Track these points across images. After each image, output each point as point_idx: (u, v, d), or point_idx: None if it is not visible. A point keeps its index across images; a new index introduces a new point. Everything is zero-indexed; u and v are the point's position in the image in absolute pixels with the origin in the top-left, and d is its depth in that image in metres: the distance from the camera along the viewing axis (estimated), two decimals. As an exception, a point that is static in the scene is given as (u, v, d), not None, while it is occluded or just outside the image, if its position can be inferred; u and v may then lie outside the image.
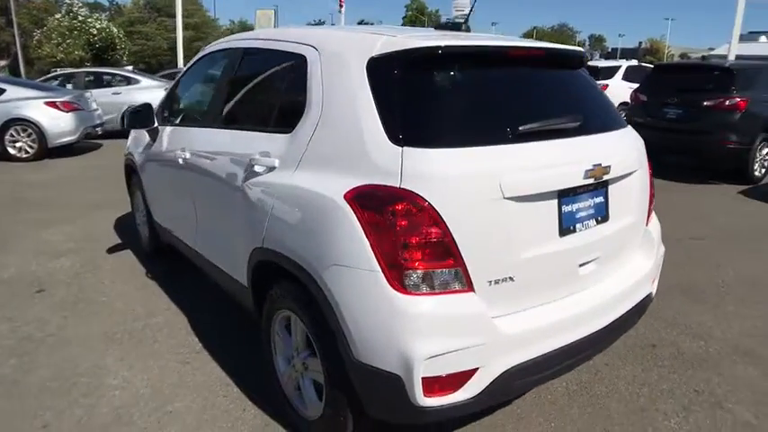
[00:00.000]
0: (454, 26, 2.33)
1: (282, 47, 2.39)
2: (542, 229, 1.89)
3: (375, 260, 1.67)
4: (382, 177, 1.72)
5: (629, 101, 8.98)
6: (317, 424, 2.09)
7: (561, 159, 1.93)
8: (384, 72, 1.86)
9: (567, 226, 1.96)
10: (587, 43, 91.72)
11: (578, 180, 1.94)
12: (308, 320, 2.00)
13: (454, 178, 1.70)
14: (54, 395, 2.51)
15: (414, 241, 1.66)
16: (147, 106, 3.44)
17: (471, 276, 1.72)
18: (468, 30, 2.32)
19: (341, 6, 33.58)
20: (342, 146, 1.89)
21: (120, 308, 3.42)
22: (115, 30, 30.60)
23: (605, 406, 2.48)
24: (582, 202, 2.02)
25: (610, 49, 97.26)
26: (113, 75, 12.02)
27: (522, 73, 2.08)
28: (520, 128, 1.85)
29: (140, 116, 3.40)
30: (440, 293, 1.69)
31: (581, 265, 2.02)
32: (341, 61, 2.01)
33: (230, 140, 2.55)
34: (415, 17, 75.15)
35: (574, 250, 1.98)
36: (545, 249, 1.89)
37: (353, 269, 1.72)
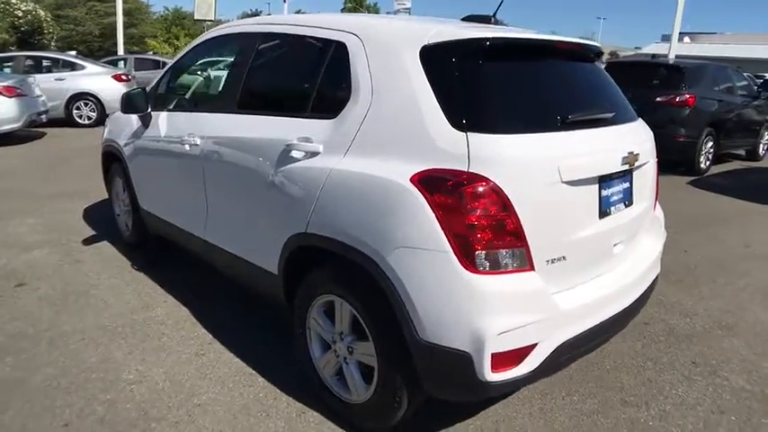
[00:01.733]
0: (483, 18, 2.39)
1: (315, 33, 2.35)
2: (587, 211, 2.00)
3: (446, 241, 1.71)
4: (449, 161, 1.75)
5: None
6: (364, 406, 2.11)
7: (603, 147, 2.05)
8: (439, 61, 1.90)
9: (604, 209, 2.08)
10: None
11: (617, 166, 2.06)
12: (359, 304, 2.00)
13: (519, 162, 1.77)
14: (68, 393, 2.37)
15: (484, 223, 1.71)
16: (142, 90, 3.28)
17: (533, 256, 1.79)
18: (497, 22, 2.39)
19: (285, -1, 32.96)
20: (399, 131, 1.90)
21: (114, 301, 3.25)
22: (42, 13, 28.43)
23: (617, 379, 2.65)
24: (615, 186, 2.14)
25: None
26: (56, 60, 11.21)
27: (561, 65, 2.17)
28: (569, 116, 1.95)
29: (136, 101, 3.24)
30: (506, 272, 1.75)
31: (614, 246, 2.16)
32: (390, 50, 2.02)
33: (255, 126, 2.48)
34: (354, 8, 74.92)
35: (609, 232, 2.11)
36: (589, 230, 2.00)
37: (423, 251, 1.75)
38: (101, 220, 4.67)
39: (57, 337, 2.83)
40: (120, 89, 9.48)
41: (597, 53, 2.42)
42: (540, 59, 2.10)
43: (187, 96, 3.32)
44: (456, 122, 1.79)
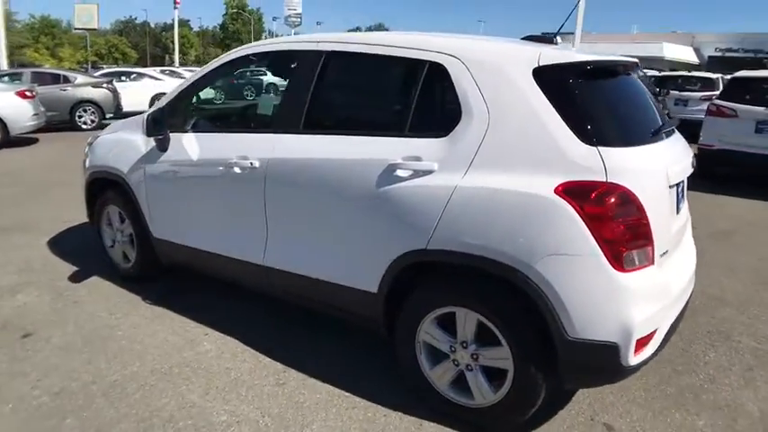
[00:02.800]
0: (546, 39, 2.59)
1: (400, 53, 2.39)
2: (672, 210, 2.29)
3: (597, 246, 1.89)
4: (586, 174, 1.93)
5: None
6: (495, 408, 2.21)
7: (678, 155, 2.34)
8: (555, 82, 2.07)
9: (676, 209, 2.38)
10: None
11: (688, 172, 2.37)
12: (492, 312, 2.11)
13: (643, 171, 2.00)
14: (168, 444, 2.18)
15: (628, 227, 1.92)
16: (162, 111, 3.05)
17: (654, 252, 2.03)
18: (556, 43, 2.60)
19: (176, 4, 31.26)
20: (526, 148, 2.04)
21: (150, 341, 2.99)
22: None
23: (660, 354, 3.00)
24: (677, 190, 2.46)
25: None
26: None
27: (632, 82, 2.44)
28: (653, 129, 2.22)
29: (160, 123, 3.01)
30: (641, 268, 1.98)
31: (679, 242, 2.48)
32: (500, 71, 2.14)
33: (337, 147, 2.46)
34: (237, 15, 72.94)
35: (678, 230, 2.42)
36: (674, 227, 2.30)
37: (574, 256, 1.91)
38: (75, 254, 4.20)
39: (109, 388, 2.56)
40: (26, 107, 8.43)
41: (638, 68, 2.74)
42: (622, 78, 2.36)
43: (218, 117, 3.13)
44: (585, 138, 1.97)
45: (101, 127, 11.99)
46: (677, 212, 2.39)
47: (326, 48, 2.62)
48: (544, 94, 2.05)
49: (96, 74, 15.97)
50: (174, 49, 37.43)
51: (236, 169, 2.77)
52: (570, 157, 1.96)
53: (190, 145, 3.04)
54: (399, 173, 2.25)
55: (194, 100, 3.20)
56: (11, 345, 2.92)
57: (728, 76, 14.34)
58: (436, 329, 2.30)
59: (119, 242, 3.72)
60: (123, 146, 3.46)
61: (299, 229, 2.66)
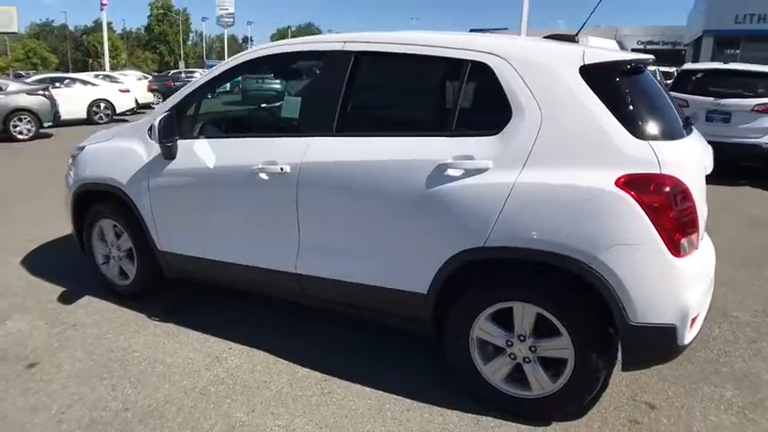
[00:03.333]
0: (568, 38, 2.68)
1: (441, 53, 2.40)
2: (704, 199, 2.43)
3: (657, 234, 1.98)
4: (642, 167, 2.02)
5: None
6: (553, 397, 2.27)
7: (705, 148, 2.49)
8: (601, 79, 2.16)
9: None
10: None
11: (711, 163, 2.52)
12: (552, 304, 2.17)
13: (688, 163, 2.12)
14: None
15: (683, 215, 2.03)
16: (172, 117, 2.88)
17: (699, 238, 2.16)
18: (577, 41, 2.69)
19: (103, 5, 29.60)
20: (581, 144, 2.10)
21: (172, 361, 2.83)
22: None
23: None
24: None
25: None
26: None
27: (652, 78, 2.56)
28: (682, 123, 2.36)
29: (172, 129, 2.85)
30: (690, 253, 2.10)
31: None
32: (547, 70, 2.20)
33: (378, 148, 2.42)
34: (163, 16, 70.18)
35: (704, 217, 2.59)
36: (703, 216, 2.45)
37: (636, 245, 2.00)
38: (56, 273, 3.89)
39: (145, 415, 2.40)
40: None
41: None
42: (648, 75, 2.47)
43: (233, 121, 3.00)
44: (636, 133, 2.07)
45: (37, 137, 11.18)
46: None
47: (355, 48, 2.58)
48: (593, 91, 2.13)
49: (28, 80, 14.81)
50: (98, 53, 35.39)
51: (263, 175, 2.68)
52: (625, 152, 2.05)
53: (203, 151, 2.90)
54: (451, 172, 2.26)
55: (204, 106, 3.04)
56: (18, 376, 2.67)
57: (663, 69, 15.26)
58: (491, 325, 2.33)
59: (114, 258, 3.48)
60: (120, 155, 3.24)
61: (336, 233, 2.60)
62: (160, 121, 2.80)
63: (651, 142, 2.06)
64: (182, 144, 2.96)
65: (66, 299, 3.53)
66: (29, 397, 2.51)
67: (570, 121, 2.14)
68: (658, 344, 2.10)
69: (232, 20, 54.70)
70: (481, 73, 2.29)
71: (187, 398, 2.52)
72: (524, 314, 2.25)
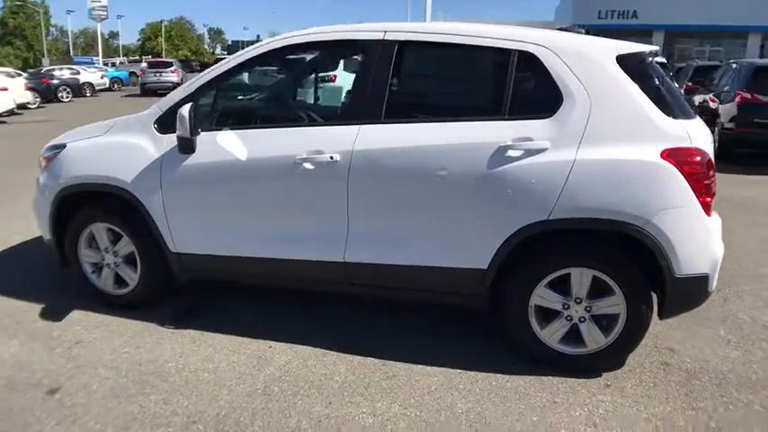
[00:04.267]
0: (574, 31, 2.94)
1: (487, 43, 2.53)
2: None
3: (694, 197, 2.32)
4: (678, 141, 2.35)
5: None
6: (605, 351, 2.56)
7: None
8: (634, 67, 2.45)
9: None
10: (207, 36, 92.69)
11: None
12: (609, 266, 2.43)
13: (706, 139, 2.48)
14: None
15: (711, 180, 2.38)
16: (193, 108, 2.68)
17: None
18: (581, 32, 2.97)
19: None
20: (626, 123, 2.38)
21: (215, 366, 2.66)
22: None
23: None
24: None
25: (230, 42, 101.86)
26: None
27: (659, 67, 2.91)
28: (691, 105, 2.74)
29: (193, 120, 2.65)
30: (714, 213, 2.47)
31: None
32: (590, 59, 2.43)
33: (432, 133, 2.50)
34: (19, 8, 62.00)
35: None
36: None
37: (680, 208, 2.33)
38: (18, 287, 3.42)
39: (217, 423, 2.26)
40: None
41: None
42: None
43: (278, 110, 2.86)
44: (668, 113, 2.39)
45: None
46: None
47: (398, 37, 2.61)
48: (629, 77, 2.41)
49: None
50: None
51: (308, 165, 2.62)
52: (663, 129, 2.36)
53: (231, 143, 2.74)
54: (511, 153, 2.41)
55: (229, 95, 2.87)
56: (44, 404, 2.35)
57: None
58: (549, 292, 2.54)
59: (109, 266, 3.15)
60: (120, 151, 2.94)
61: (392, 219, 2.62)
62: (189, 112, 2.61)
63: (682, 121, 2.39)
64: (204, 136, 2.77)
65: (50, 315, 3.13)
66: (70, 426, 2.23)
67: (614, 103, 2.40)
68: (694, 292, 2.46)
69: (105, 13, 50.20)
70: (528, 62, 2.46)
71: (253, 401, 2.42)
72: (582, 278, 2.48)
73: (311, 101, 3.29)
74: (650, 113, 2.37)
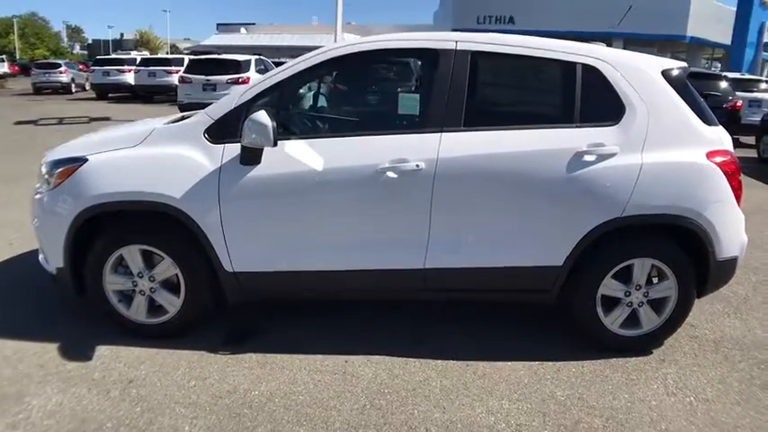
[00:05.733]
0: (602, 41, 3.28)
1: (554, 56, 2.75)
2: None
3: (731, 192, 2.75)
4: (714, 145, 2.76)
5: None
6: (658, 330, 2.89)
7: None
8: (675, 80, 2.82)
9: None
10: (64, 34, 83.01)
11: None
12: (665, 255, 2.77)
13: (731, 142, 2.94)
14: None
15: (740, 178, 2.83)
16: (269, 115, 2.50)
17: None
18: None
19: None
20: (676, 130, 2.73)
21: (300, 389, 2.52)
22: None
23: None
24: None
25: (91, 41, 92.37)
26: None
27: None
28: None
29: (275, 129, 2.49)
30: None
31: None
32: (643, 72, 2.76)
33: (514, 140, 2.64)
34: None
35: None
36: None
37: (722, 202, 2.73)
38: (28, 323, 2.88)
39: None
40: None
41: None
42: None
43: (354, 119, 2.76)
44: (705, 120, 2.80)
45: None
46: None
47: (470, 48, 2.71)
48: (673, 89, 2.78)
49: None
50: None
51: (391, 173, 2.60)
52: (704, 134, 2.76)
53: (303, 153, 2.61)
54: (587, 158, 2.64)
55: (300, 102, 2.71)
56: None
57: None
58: (613, 282, 2.82)
59: (143, 292, 2.80)
60: (164, 164, 2.65)
61: (475, 224, 2.70)
62: (270, 119, 2.43)
63: (713, 128, 2.82)
64: (284, 145, 2.61)
65: (75, 354, 2.70)
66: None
67: (666, 112, 2.74)
68: (729, 272, 2.90)
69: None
70: (591, 74, 2.72)
71: (369, 416, 2.34)
72: (643, 267, 2.79)
73: (385, 108, 3.23)
74: (693, 121, 2.75)
